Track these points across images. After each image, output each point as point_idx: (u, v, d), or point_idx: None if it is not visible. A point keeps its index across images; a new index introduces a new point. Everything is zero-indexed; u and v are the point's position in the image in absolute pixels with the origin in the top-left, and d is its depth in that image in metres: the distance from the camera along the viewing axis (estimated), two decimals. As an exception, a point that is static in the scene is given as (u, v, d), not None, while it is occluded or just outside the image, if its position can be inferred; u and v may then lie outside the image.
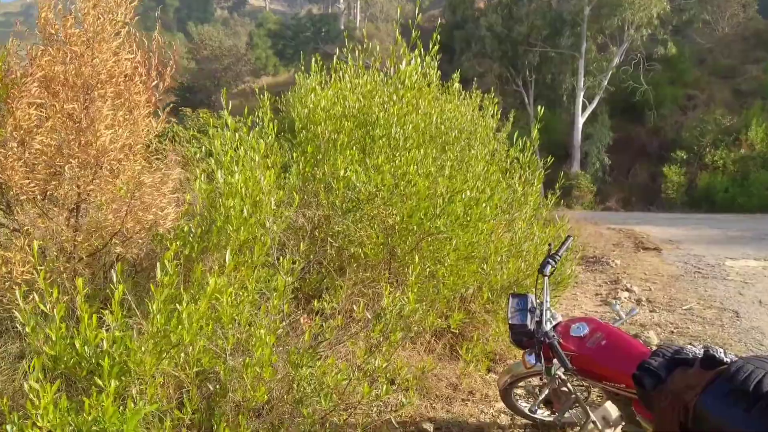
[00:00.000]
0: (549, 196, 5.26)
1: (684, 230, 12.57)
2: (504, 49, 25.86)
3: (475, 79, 9.82)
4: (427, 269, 4.13)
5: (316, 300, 3.59)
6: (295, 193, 3.29)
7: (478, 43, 26.17)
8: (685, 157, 22.28)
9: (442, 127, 5.37)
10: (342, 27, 48.04)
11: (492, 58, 25.94)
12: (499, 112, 5.92)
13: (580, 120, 25.17)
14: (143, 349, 2.41)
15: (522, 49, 25.44)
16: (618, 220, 15.17)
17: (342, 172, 3.62)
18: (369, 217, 3.80)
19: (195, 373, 2.80)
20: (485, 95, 7.27)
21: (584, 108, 25.43)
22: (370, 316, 2.75)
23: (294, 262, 3.21)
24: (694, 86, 26.93)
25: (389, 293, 2.65)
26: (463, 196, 3.96)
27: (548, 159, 5.02)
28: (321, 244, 3.89)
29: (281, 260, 3.18)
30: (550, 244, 3.37)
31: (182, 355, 2.70)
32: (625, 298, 6.79)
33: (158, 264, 2.63)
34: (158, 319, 2.48)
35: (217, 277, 2.81)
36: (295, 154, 3.84)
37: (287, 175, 3.79)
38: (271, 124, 3.48)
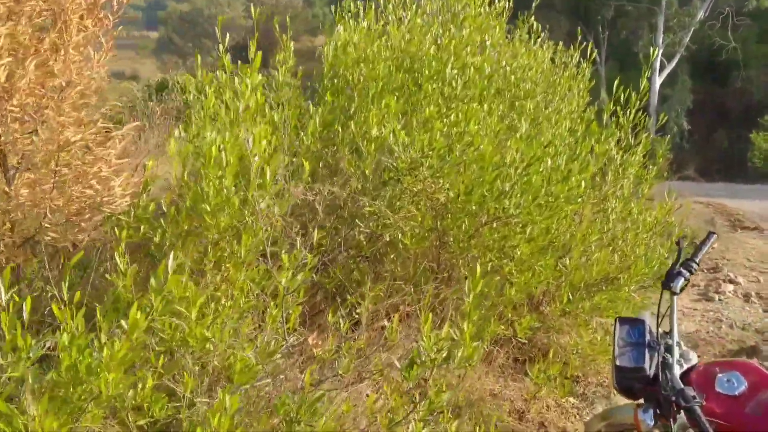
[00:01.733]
0: (650, 166, 4.08)
1: (783, 206, 10.94)
2: (574, 2, 23.80)
3: (547, 28, 8.47)
4: (489, 263, 3.10)
5: (330, 310, 2.64)
6: (305, 161, 2.31)
7: (545, -6, 24.18)
8: (774, 122, 20.03)
9: (513, 77, 4.25)
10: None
11: (559, 11, 23.93)
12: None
13: (657, 81, 23.01)
14: (32, 410, 1.50)
15: (594, 1, 23.33)
16: (701, 191, 13.50)
17: (375, 131, 2.61)
18: (411, 193, 2.79)
19: (145, 426, 1.90)
20: (557, 48, 6.09)
21: (662, 68, 23.20)
22: (398, 363, 1.77)
23: (303, 257, 2.25)
24: (784, 44, 24.09)
25: (429, 327, 1.64)
26: (543, 167, 2.87)
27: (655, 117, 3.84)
28: (348, 228, 2.91)
29: (283, 255, 2.22)
30: (679, 242, 2.27)
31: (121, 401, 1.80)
32: (730, 292, 5.55)
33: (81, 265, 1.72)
34: (68, 357, 1.57)
35: (177, 283, 1.90)
36: (312, 107, 2.84)
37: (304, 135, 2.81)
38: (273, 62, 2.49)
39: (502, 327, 3.36)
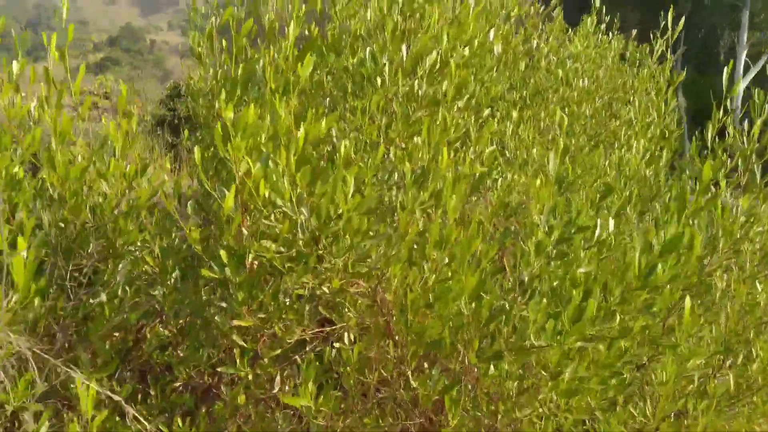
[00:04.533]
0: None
1: None
2: (645, -6, 21.78)
3: (616, 20, 6.81)
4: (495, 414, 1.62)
5: None
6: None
7: (611, -16, 22.29)
8: None
9: (559, 71, 2.85)
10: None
11: (627, 3, 21.92)
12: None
13: (741, 84, 20.63)
14: None
15: (668, -7, 21.24)
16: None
17: (243, 165, 1.18)
18: (312, 304, 1.34)
19: None
20: (628, 43, 4.63)
21: (746, 70, 20.79)
22: None
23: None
24: None
25: None
26: (598, 237, 1.38)
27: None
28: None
29: None
30: None
31: None
32: None
33: None
34: None
35: None
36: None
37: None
38: None
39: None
